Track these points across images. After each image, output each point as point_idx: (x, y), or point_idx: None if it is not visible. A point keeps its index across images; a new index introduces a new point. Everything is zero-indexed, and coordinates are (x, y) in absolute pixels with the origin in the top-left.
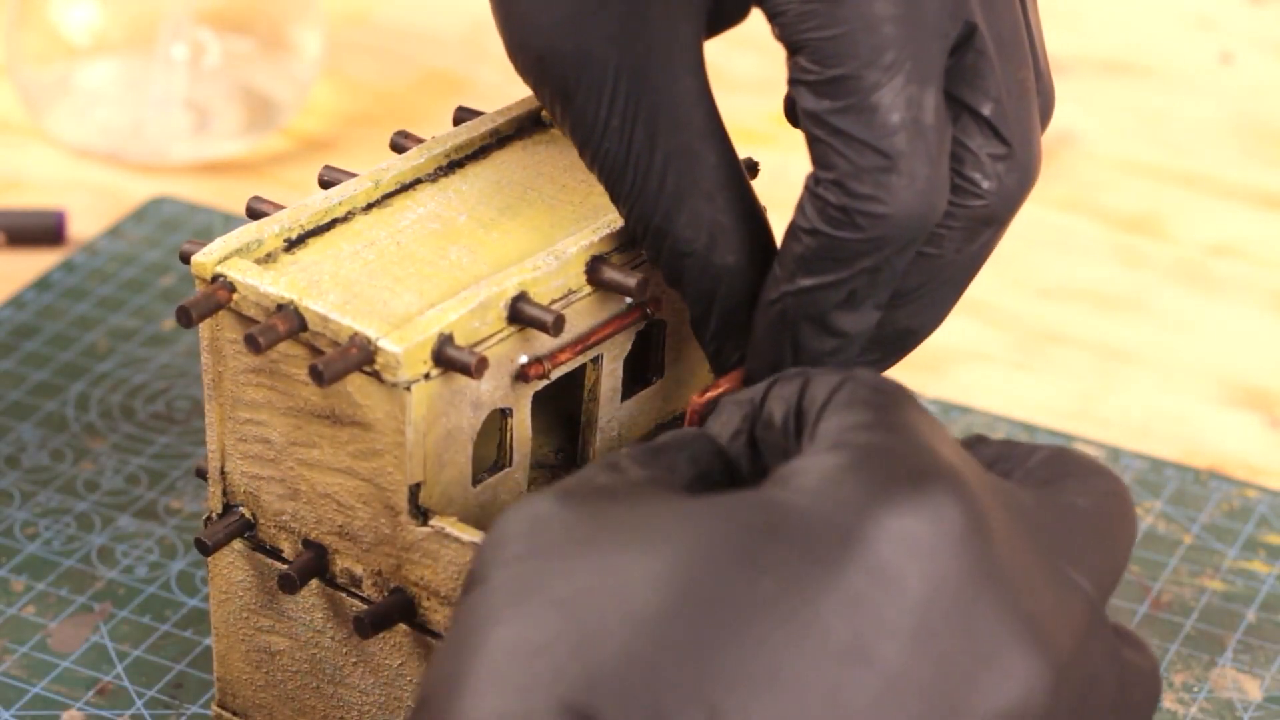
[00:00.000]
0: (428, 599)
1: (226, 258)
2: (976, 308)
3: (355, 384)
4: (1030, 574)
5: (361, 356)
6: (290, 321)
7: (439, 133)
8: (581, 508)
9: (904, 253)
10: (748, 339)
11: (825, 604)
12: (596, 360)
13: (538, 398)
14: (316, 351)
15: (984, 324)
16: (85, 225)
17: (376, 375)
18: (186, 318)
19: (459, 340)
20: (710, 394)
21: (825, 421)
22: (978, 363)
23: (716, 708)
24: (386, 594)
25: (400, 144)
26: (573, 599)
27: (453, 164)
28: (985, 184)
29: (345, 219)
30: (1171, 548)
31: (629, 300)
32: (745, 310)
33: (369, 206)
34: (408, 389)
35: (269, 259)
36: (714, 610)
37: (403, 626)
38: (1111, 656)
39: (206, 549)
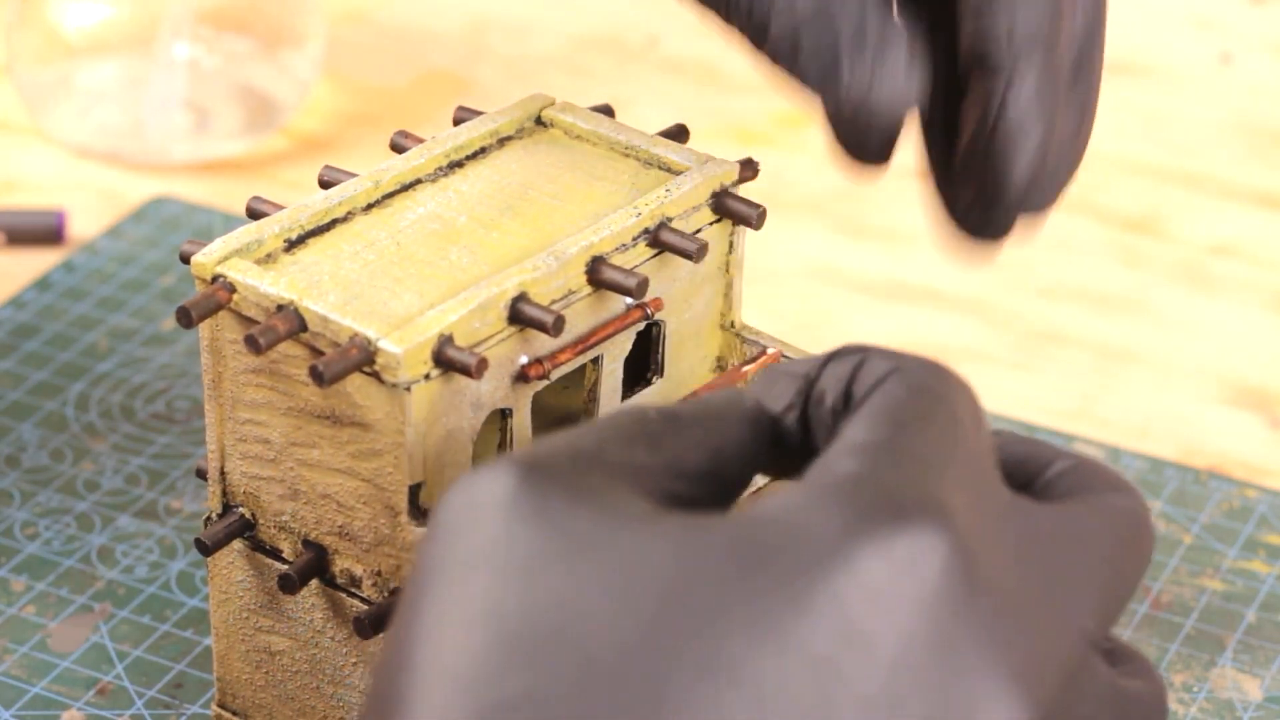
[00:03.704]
0: None
1: (226, 258)
2: (976, 307)
3: (355, 384)
4: (1023, 613)
5: (362, 357)
6: (290, 322)
7: (439, 133)
8: (544, 499)
9: None
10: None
11: (789, 665)
12: (596, 360)
13: (537, 398)
14: (317, 352)
15: (984, 324)
16: (85, 225)
17: (377, 376)
18: (187, 318)
19: (459, 341)
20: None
21: (851, 423)
22: (978, 363)
23: None
24: (387, 595)
25: (400, 144)
26: (522, 624)
27: (453, 164)
28: None
29: (345, 219)
30: (1171, 548)
31: (629, 301)
32: None
33: (369, 207)
34: (408, 390)
35: (269, 259)
36: (672, 663)
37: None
38: (1108, 697)
39: (206, 549)
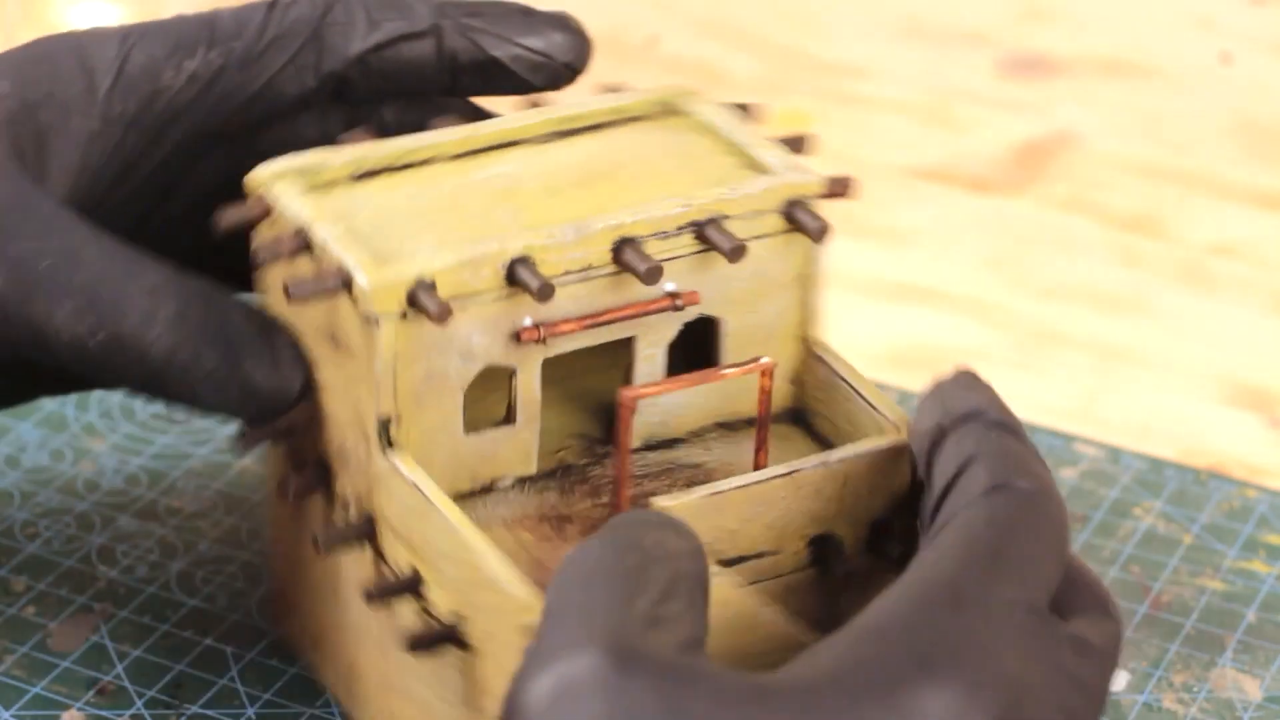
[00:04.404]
0: (384, 528)
1: (283, 176)
2: (976, 308)
3: (345, 312)
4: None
5: (335, 286)
6: (295, 244)
7: (577, 98)
8: (635, 684)
9: None
10: None
11: None
12: (629, 342)
13: (579, 380)
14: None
15: (984, 324)
16: None
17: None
18: (218, 223)
19: (445, 289)
20: (646, 392)
21: (932, 552)
22: (978, 363)
23: None
24: (360, 518)
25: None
26: None
27: (563, 132)
28: None
29: (425, 163)
30: (1171, 548)
31: (667, 287)
32: None
33: (457, 156)
34: (376, 323)
35: (327, 186)
36: None
37: (368, 549)
38: (1058, 666)
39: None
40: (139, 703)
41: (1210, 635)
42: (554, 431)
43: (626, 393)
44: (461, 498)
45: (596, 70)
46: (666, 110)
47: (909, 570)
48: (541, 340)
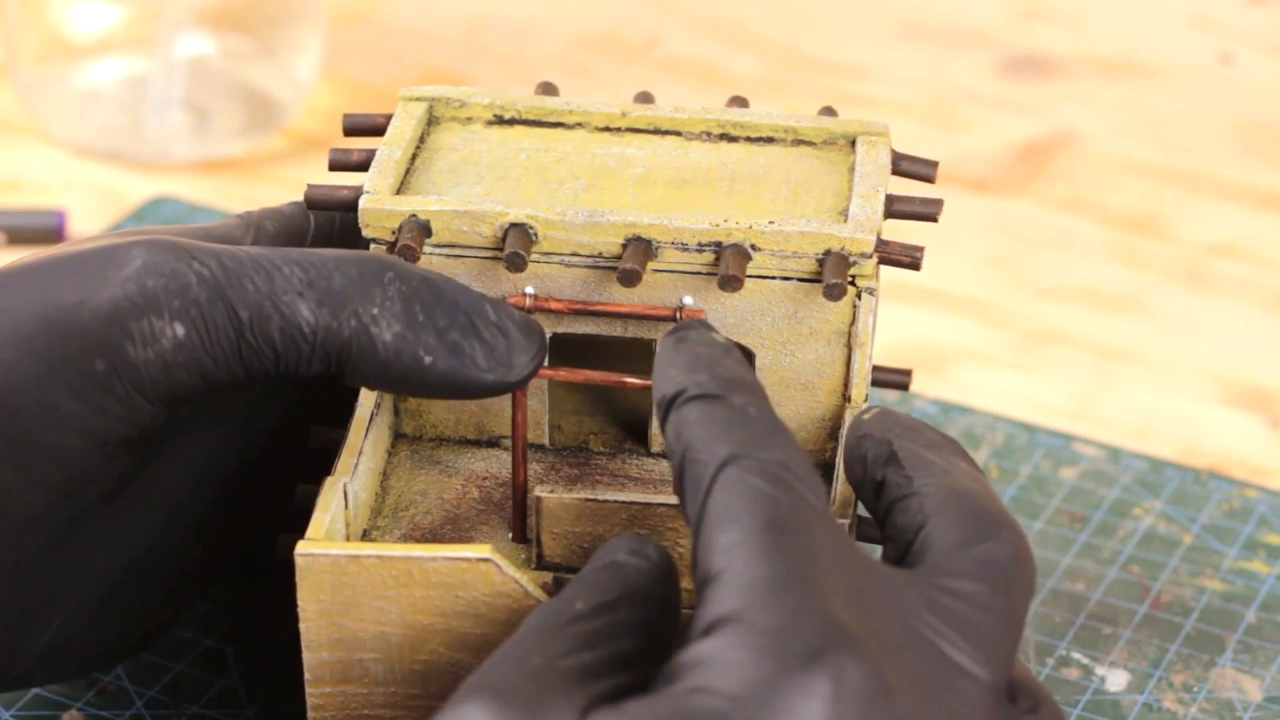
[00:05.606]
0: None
1: (421, 99)
2: (976, 308)
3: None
4: (929, 694)
5: (349, 200)
6: (362, 156)
7: (767, 106)
8: None
9: None
10: None
11: None
12: (648, 342)
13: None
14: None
15: (984, 324)
16: (85, 225)
17: None
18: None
19: (441, 234)
20: (542, 373)
21: (715, 532)
22: (978, 363)
23: None
24: None
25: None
26: None
27: (726, 136)
28: None
29: (570, 126)
30: (1171, 548)
31: (686, 299)
32: None
33: (603, 129)
34: (372, 242)
35: (461, 120)
36: None
37: None
38: None
39: None
40: (139, 703)
41: (1210, 635)
42: (584, 419)
43: None
44: (465, 443)
45: (597, 70)
46: (839, 141)
47: (724, 576)
48: (528, 310)
